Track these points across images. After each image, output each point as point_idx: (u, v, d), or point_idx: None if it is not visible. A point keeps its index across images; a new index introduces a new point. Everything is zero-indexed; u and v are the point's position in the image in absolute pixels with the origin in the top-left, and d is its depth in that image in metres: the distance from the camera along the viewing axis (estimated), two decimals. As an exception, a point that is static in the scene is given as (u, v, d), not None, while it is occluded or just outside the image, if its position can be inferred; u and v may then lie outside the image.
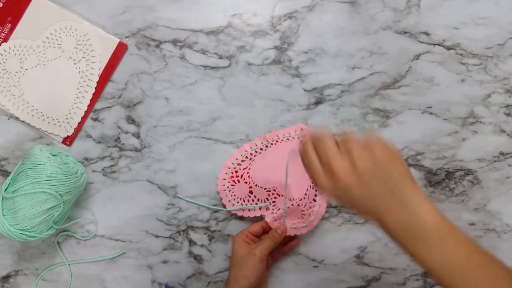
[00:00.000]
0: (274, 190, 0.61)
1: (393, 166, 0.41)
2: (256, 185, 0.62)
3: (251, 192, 0.63)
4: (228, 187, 0.63)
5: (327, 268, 0.66)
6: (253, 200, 0.63)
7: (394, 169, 0.41)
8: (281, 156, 0.61)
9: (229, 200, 0.64)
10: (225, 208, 0.64)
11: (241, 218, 0.65)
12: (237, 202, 0.63)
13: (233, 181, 0.63)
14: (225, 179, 0.64)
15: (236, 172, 0.63)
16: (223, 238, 0.66)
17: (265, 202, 0.62)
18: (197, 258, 0.66)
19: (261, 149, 0.64)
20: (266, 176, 0.62)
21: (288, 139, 0.64)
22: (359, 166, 0.41)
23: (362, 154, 0.41)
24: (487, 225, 0.65)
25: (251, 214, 0.63)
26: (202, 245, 0.66)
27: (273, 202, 0.62)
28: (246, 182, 0.62)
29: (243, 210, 0.63)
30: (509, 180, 0.66)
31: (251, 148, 0.64)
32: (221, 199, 0.64)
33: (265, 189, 0.61)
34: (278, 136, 0.64)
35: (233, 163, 0.64)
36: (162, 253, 0.66)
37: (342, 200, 0.43)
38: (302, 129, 0.64)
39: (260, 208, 0.62)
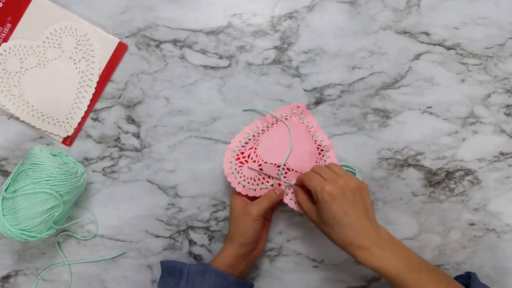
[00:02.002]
0: (285, 165, 0.61)
1: (367, 197, 0.56)
2: (265, 162, 0.61)
3: (261, 170, 0.62)
4: (236, 169, 0.63)
5: (327, 268, 0.66)
6: (263, 178, 0.62)
7: (367, 199, 0.55)
8: (286, 132, 0.62)
9: (239, 182, 0.62)
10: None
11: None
12: (248, 183, 0.62)
13: (240, 162, 0.63)
14: (231, 162, 0.63)
15: (242, 153, 0.63)
16: (223, 238, 0.66)
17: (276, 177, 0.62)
18: (197, 258, 0.66)
19: (262, 130, 0.64)
20: (275, 152, 0.61)
21: (286, 118, 0.64)
22: (345, 189, 0.54)
23: (346, 180, 0.55)
24: (487, 225, 0.66)
25: (263, 193, 0.62)
26: (202, 245, 0.66)
27: (284, 177, 0.62)
28: (254, 161, 0.62)
29: (255, 190, 0.62)
30: (509, 180, 0.66)
31: (253, 130, 0.64)
32: (230, 182, 0.62)
33: (275, 164, 0.61)
34: (276, 117, 0.64)
35: (237, 146, 0.63)
36: (162, 253, 0.66)
37: (329, 209, 0.53)
38: (298, 106, 0.64)
39: (272, 185, 0.62)
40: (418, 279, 0.49)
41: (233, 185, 0.62)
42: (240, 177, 0.62)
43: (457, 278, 0.57)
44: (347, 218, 0.52)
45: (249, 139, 0.64)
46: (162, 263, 0.60)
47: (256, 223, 0.58)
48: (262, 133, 0.64)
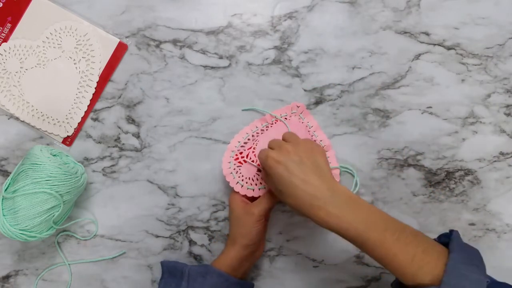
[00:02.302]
0: None
1: (321, 156, 0.53)
2: None
3: (259, 171, 0.62)
4: (234, 169, 0.63)
5: (327, 268, 0.66)
6: (262, 178, 0.62)
7: (322, 159, 0.53)
8: (285, 132, 0.61)
9: (237, 182, 0.62)
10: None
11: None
12: (246, 183, 0.62)
13: (239, 162, 0.63)
14: (229, 162, 0.63)
15: (241, 153, 0.63)
16: (223, 238, 0.66)
17: None
18: (197, 258, 0.66)
19: (261, 130, 0.64)
20: None
21: (286, 118, 0.64)
22: (290, 152, 0.52)
23: (293, 145, 0.53)
24: (487, 225, 0.66)
25: (262, 193, 0.62)
26: (202, 245, 0.66)
27: None
28: (253, 161, 0.62)
29: (253, 190, 0.62)
30: (509, 180, 0.66)
31: (252, 130, 0.64)
32: (228, 182, 0.62)
33: None
34: (276, 117, 0.64)
35: (236, 146, 0.63)
36: (162, 253, 0.66)
37: (279, 177, 0.51)
38: (298, 106, 0.64)
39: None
40: (382, 240, 0.46)
41: (231, 185, 0.62)
42: (239, 177, 0.62)
43: (440, 237, 0.51)
44: (294, 178, 0.49)
45: (248, 139, 0.64)
46: (162, 263, 0.60)
47: (259, 223, 0.58)
48: (261, 133, 0.64)
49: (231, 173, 0.62)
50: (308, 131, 0.64)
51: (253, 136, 0.64)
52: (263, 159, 0.53)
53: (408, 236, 0.47)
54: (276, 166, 0.51)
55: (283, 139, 0.56)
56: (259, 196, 0.61)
